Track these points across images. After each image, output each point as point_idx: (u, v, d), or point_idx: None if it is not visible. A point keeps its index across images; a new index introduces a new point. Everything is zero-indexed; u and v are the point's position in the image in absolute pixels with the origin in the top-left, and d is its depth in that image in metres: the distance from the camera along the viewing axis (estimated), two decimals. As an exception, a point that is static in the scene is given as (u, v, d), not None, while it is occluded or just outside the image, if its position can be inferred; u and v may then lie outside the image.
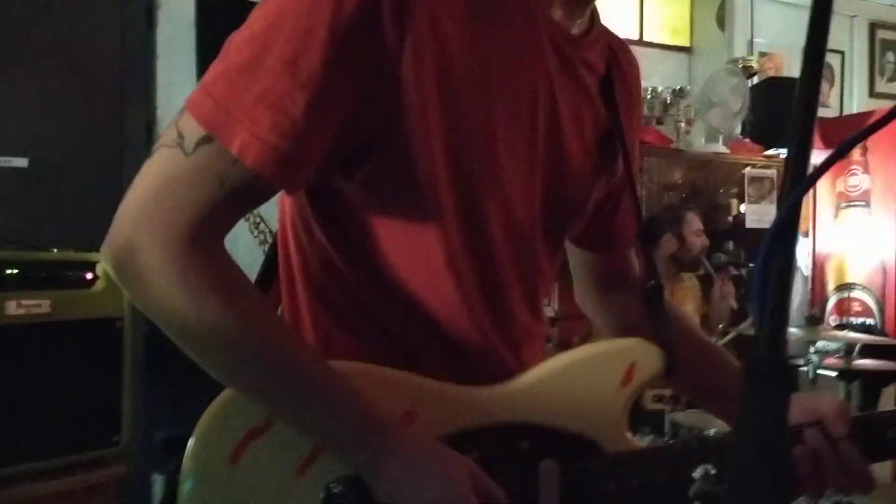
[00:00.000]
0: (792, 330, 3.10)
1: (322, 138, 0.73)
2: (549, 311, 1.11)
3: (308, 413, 0.76)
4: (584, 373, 0.90)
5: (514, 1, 0.81)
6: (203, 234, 0.72)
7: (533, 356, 0.91)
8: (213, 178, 0.71)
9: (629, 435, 0.92)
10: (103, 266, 2.12)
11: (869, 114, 4.49)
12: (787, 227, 0.48)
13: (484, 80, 0.78)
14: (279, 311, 0.90)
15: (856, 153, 4.41)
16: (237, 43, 0.73)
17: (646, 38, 4.58)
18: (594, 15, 0.90)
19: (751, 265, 3.56)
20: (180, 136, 0.72)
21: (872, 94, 5.23)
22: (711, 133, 4.18)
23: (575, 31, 0.87)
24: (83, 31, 3.18)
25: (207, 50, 3.24)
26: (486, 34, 0.78)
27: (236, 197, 0.73)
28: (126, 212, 0.72)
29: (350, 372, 0.78)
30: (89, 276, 2.18)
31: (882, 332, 4.22)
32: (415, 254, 0.81)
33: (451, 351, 0.84)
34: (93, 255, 2.18)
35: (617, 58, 0.96)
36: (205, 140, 0.71)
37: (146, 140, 3.33)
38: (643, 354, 0.92)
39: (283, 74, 0.70)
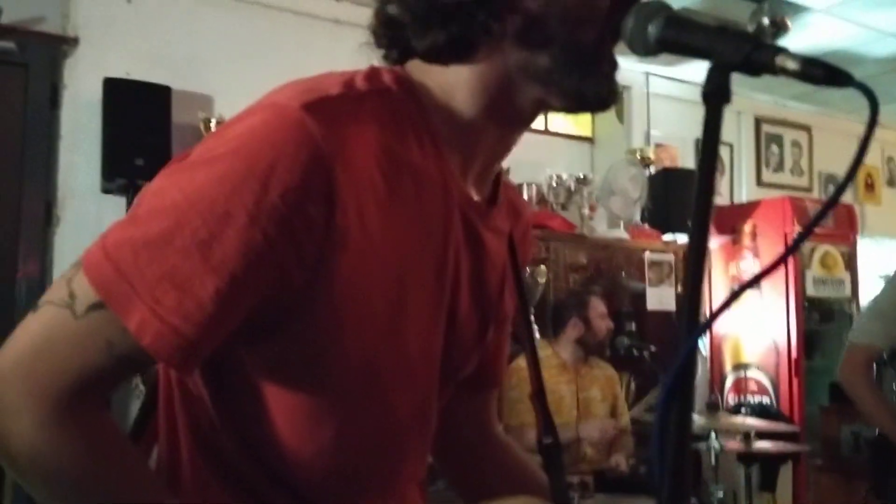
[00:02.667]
0: (693, 416, 3.20)
1: (227, 324, 0.70)
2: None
3: None
4: None
5: (432, 183, 0.80)
6: (80, 400, 0.68)
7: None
8: (100, 344, 0.67)
9: None
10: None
11: (757, 202, 4.80)
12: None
13: (398, 258, 0.77)
14: (154, 456, 0.86)
15: (746, 239, 4.68)
16: (148, 209, 0.69)
17: (551, 129, 4.77)
18: (499, 176, 0.92)
19: (652, 347, 3.67)
20: (71, 296, 0.67)
21: (759, 183, 5.58)
22: (613, 219, 4.36)
23: (479, 197, 0.88)
24: (-17, 111, 3.10)
25: (112, 133, 3.19)
26: (405, 214, 0.77)
27: (124, 365, 0.69)
28: None
29: None
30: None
31: (777, 410, 4.40)
32: (303, 426, 0.79)
33: None
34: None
35: (518, 212, 1.00)
36: (98, 306, 0.67)
37: (44, 221, 3.24)
38: None
39: (194, 256, 0.66)
